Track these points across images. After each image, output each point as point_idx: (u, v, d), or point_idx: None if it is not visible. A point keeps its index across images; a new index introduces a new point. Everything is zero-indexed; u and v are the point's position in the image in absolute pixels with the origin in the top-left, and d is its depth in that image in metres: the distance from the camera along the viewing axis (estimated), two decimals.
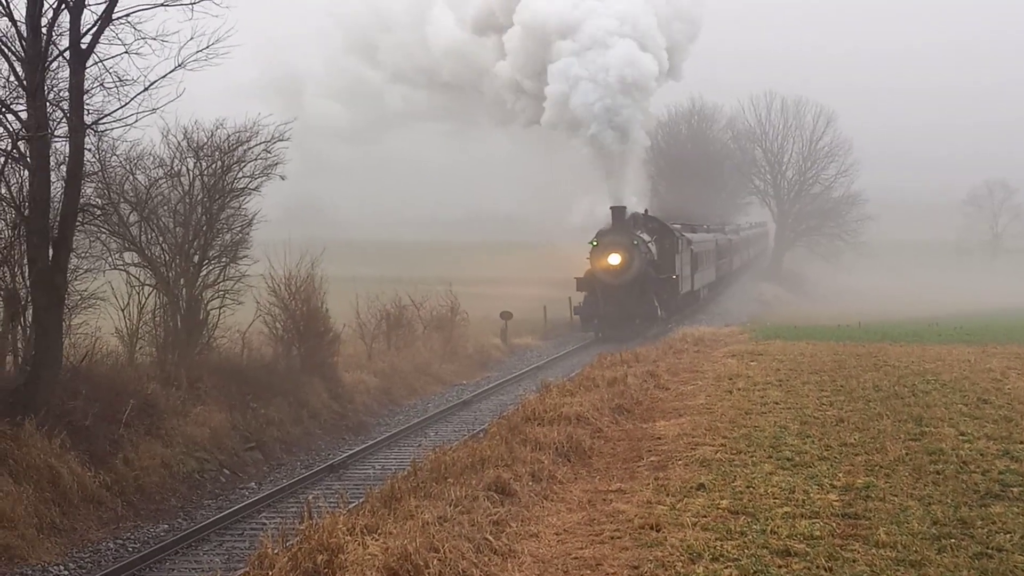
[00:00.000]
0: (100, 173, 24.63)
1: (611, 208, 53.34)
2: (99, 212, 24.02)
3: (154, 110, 21.62)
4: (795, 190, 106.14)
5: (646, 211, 56.79)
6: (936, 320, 53.30)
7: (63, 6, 20.35)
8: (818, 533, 13.26)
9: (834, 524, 13.69)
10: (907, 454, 17.70)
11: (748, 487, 15.58)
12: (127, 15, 20.71)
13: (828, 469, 16.74)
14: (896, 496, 15.07)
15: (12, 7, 20.23)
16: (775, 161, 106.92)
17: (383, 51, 59.04)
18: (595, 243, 51.27)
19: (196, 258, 27.09)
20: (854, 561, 12.36)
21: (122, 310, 25.92)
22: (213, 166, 27.65)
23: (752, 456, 17.71)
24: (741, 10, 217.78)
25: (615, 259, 50.65)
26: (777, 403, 23.25)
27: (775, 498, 14.95)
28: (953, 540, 12.96)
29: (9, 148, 20.46)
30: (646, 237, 53.39)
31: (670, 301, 55.19)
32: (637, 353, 33.16)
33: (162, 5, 21.18)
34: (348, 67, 61.90)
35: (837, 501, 14.83)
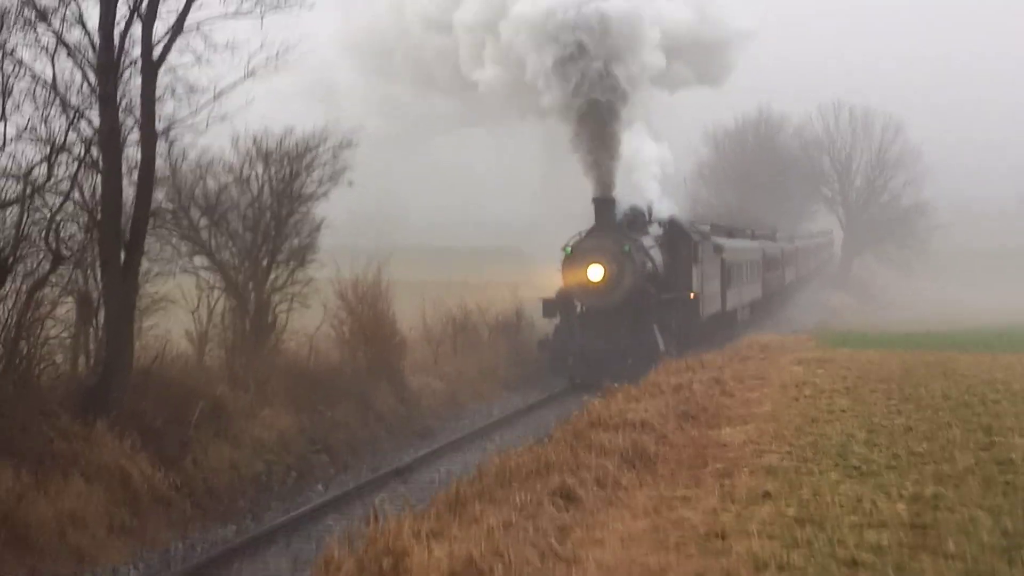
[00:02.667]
0: (171, 178, 24.91)
1: (594, 201, 38.54)
2: (170, 216, 24.31)
3: (224, 117, 21.88)
4: (864, 199, 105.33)
5: (649, 209, 42.79)
6: (1007, 329, 52.64)
7: (135, 17, 20.61)
8: (886, 543, 13.13)
9: (902, 534, 13.55)
10: (976, 464, 17.49)
11: (814, 495, 15.46)
12: (198, 25, 20.97)
13: (896, 478, 16.58)
14: (965, 506, 14.89)
15: (85, 17, 20.54)
16: (843, 170, 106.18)
17: (398, 57, 49.64)
18: (568, 250, 37.16)
19: (264, 262, 27.34)
20: (922, 572, 12.23)
21: (192, 313, 26.19)
22: (281, 172, 27.90)
23: (818, 464, 17.58)
24: (812, 20, 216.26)
25: (596, 272, 36.69)
26: (844, 411, 23.07)
27: (842, 507, 14.82)
28: (1023, 552, 12.81)
29: (83, 154, 20.75)
30: (648, 242, 39.78)
31: (686, 328, 41.16)
32: (702, 359, 33.03)
33: (232, 15, 21.41)
34: (371, 73, 50.99)
35: (905, 511, 14.67)
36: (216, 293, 26.76)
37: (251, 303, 26.89)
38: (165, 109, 21.58)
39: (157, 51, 20.68)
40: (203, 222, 26.69)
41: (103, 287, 21.27)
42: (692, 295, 41.85)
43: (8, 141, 19.92)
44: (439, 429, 29.44)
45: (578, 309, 38.46)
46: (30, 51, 20.47)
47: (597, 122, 39.07)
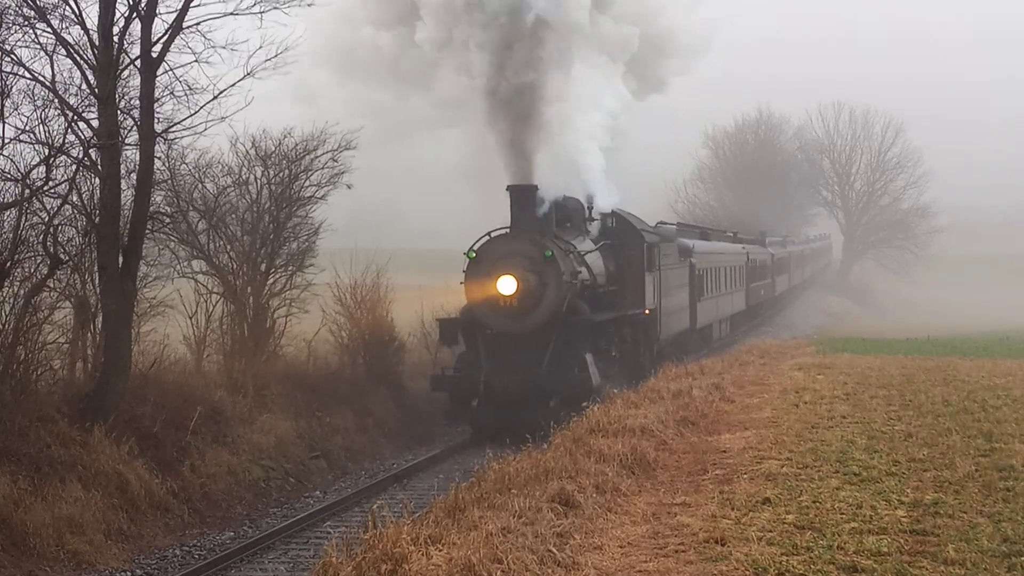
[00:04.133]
0: (169, 181, 24.86)
1: (509, 189, 28.71)
2: (168, 220, 24.24)
3: (223, 118, 21.82)
4: (863, 201, 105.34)
5: (590, 206, 32.30)
6: (1007, 335, 52.62)
7: (135, 15, 20.57)
8: (886, 549, 13.09)
9: (902, 540, 13.51)
10: (977, 470, 17.45)
11: (814, 502, 15.42)
12: (197, 24, 20.93)
13: (896, 485, 16.54)
14: (965, 513, 14.86)
15: (84, 16, 20.50)
16: (843, 172, 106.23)
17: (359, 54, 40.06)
18: (472, 254, 27.85)
19: (263, 266, 27.28)
20: None
21: (190, 318, 26.14)
22: (280, 175, 27.84)
23: (818, 470, 17.53)
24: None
25: (508, 285, 27.36)
26: (844, 417, 23.03)
27: (842, 513, 14.78)
28: (1023, 558, 12.75)
29: (81, 156, 20.69)
30: (584, 244, 30.87)
31: (639, 353, 33.35)
32: (702, 365, 32.97)
33: (231, 14, 21.36)
34: (342, 73, 44.94)
35: (905, 517, 14.64)
36: (214, 298, 26.70)
37: (249, 308, 26.84)
38: (164, 110, 21.54)
39: (156, 50, 20.63)
40: (201, 226, 26.62)
41: (101, 292, 21.21)
42: (646, 312, 33.10)
43: (6, 143, 19.88)
44: (438, 435, 29.31)
45: (486, 333, 28.46)
46: (28, 50, 20.44)
47: (519, 97, 29.16)
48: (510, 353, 27.83)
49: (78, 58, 20.46)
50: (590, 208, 32.22)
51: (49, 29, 20.28)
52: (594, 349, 28.44)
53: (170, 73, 21.20)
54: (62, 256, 20.54)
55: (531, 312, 27.73)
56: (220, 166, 27.27)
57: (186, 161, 25.56)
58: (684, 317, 39.86)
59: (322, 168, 28.50)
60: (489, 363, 27.76)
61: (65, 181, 20.75)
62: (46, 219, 20.48)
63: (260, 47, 21.66)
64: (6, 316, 19.55)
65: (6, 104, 19.86)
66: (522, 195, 28.62)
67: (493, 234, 28.48)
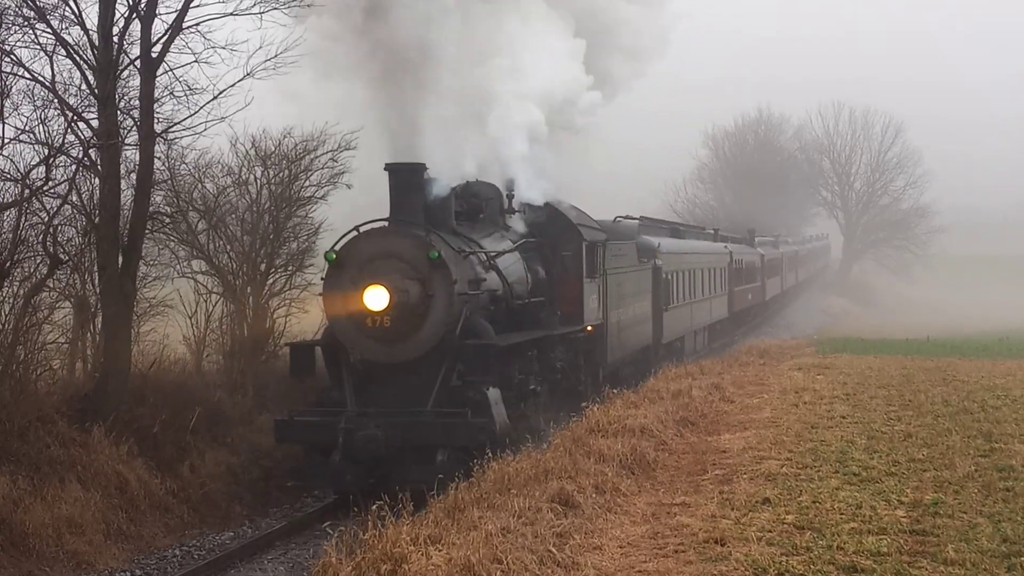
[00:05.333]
0: (169, 181, 24.84)
1: (388, 169, 21.47)
2: (168, 220, 24.23)
3: (223, 119, 21.81)
4: (863, 201, 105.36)
5: (511, 194, 25.42)
6: (1007, 335, 52.63)
7: (134, 15, 20.58)
8: (885, 550, 13.11)
9: (902, 541, 13.53)
10: (976, 470, 17.48)
11: (814, 502, 15.44)
12: (197, 24, 20.93)
13: (896, 485, 16.56)
14: (965, 513, 14.89)
15: (84, 16, 20.51)
16: (843, 172, 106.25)
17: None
18: (332, 256, 20.74)
19: (263, 266, 27.25)
20: None
21: (190, 318, 26.10)
22: (280, 175, 27.81)
23: (818, 471, 17.56)
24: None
25: (377, 299, 20.11)
26: (844, 417, 23.05)
27: (841, 514, 14.80)
28: (1023, 559, 12.76)
29: (81, 156, 20.69)
30: (497, 243, 23.98)
31: (578, 381, 26.54)
32: (702, 365, 32.98)
33: (231, 15, 21.36)
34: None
35: (905, 517, 14.66)
36: (214, 298, 26.67)
37: (249, 308, 26.81)
38: (164, 110, 21.54)
39: (156, 50, 20.64)
40: (201, 226, 26.59)
41: (101, 292, 21.20)
42: (587, 329, 26.19)
43: (6, 143, 19.90)
44: None
45: (352, 363, 21.23)
46: (28, 51, 20.45)
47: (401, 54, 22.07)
48: (384, 390, 20.53)
49: (78, 58, 20.47)
50: (510, 197, 25.08)
51: (49, 29, 20.29)
52: (502, 382, 20.93)
53: (170, 73, 21.20)
54: (62, 256, 20.53)
55: (411, 335, 20.15)
56: (220, 166, 27.22)
57: (186, 161, 25.51)
58: (645, 331, 32.84)
59: (322, 168, 28.46)
60: (356, 403, 20.30)
61: (65, 181, 20.76)
62: (46, 219, 20.48)
63: (260, 47, 21.68)
64: (6, 316, 19.55)
65: (6, 104, 19.86)
66: (403, 176, 21.06)
67: (364, 228, 21.17)
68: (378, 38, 22.07)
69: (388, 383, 20.61)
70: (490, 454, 17.92)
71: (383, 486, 17.73)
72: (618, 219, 33.63)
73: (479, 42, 25.00)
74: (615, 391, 24.60)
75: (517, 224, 25.49)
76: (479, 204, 24.29)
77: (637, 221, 35.99)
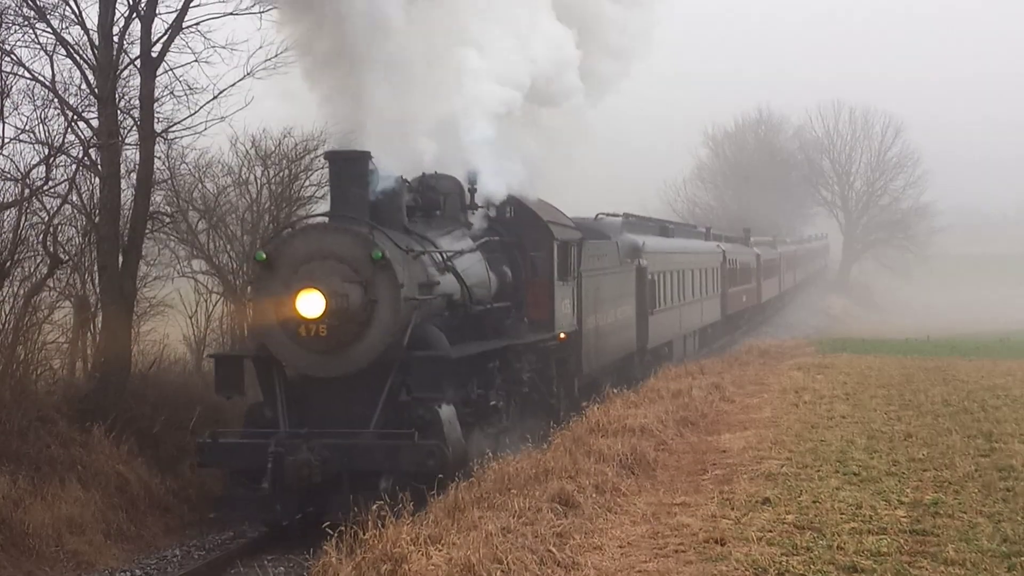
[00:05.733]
0: (169, 181, 24.85)
1: (327, 157, 19.55)
2: (168, 220, 24.24)
3: (223, 118, 21.85)
4: (863, 201, 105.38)
5: (473, 187, 22.62)
6: (1007, 335, 52.64)
7: (134, 15, 20.59)
8: (885, 549, 13.10)
9: (902, 540, 13.53)
10: (976, 470, 17.49)
11: (814, 502, 15.43)
12: (196, 24, 20.96)
13: (896, 485, 16.57)
14: (965, 513, 14.88)
15: (84, 15, 20.53)
16: (843, 172, 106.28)
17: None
18: (262, 256, 18.22)
19: None
20: None
21: (190, 318, 26.11)
22: (280, 174, 27.80)
23: (818, 470, 17.56)
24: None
25: (311, 304, 17.40)
26: (844, 417, 23.06)
27: (842, 513, 14.80)
28: (1023, 558, 12.75)
29: (81, 156, 20.71)
30: (456, 242, 21.37)
31: (549, 393, 23.86)
32: (702, 365, 32.99)
33: (231, 14, 21.38)
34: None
35: (905, 517, 14.66)
36: (214, 298, 26.67)
37: (249, 308, 26.80)
38: (164, 110, 21.56)
39: (156, 49, 20.66)
40: (201, 225, 26.59)
41: (101, 292, 21.21)
42: (560, 337, 23.60)
43: (6, 143, 19.92)
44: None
45: (287, 376, 18.61)
46: (28, 50, 20.48)
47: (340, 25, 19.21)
48: (321, 407, 17.99)
49: (78, 58, 20.50)
50: (472, 191, 22.43)
51: (49, 29, 20.33)
52: (458, 399, 18.62)
53: (170, 73, 21.25)
54: (62, 256, 20.54)
55: (351, 345, 17.65)
56: (220, 166, 27.24)
57: (186, 161, 25.51)
58: (628, 336, 30.44)
59: (323, 167, 28.44)
60: (290, 422, 17.83)
61: (65, 181, 20.78)
62: (46, 219, 20.50)
63: (260, 47, 21.70)
64: (6, 316, 19.56)
65: (6, 104, 19.90)
66: (344, 166, 18.70)
67: (300, 225, 20.30)
68: (323, 11, 19.50)
69: (327, 400, 17.96)
70: (442, 481, 16.04)
71: (319, 517, 15.99)
72: (600, 216, 32.02)
73: (437, 13, 22.28)
74: (590, 403, 22.93)
75: (480, 221, 22.75)
76: (436, 199, 21.23)
77: (620, 219, 33.62)
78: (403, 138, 20.23)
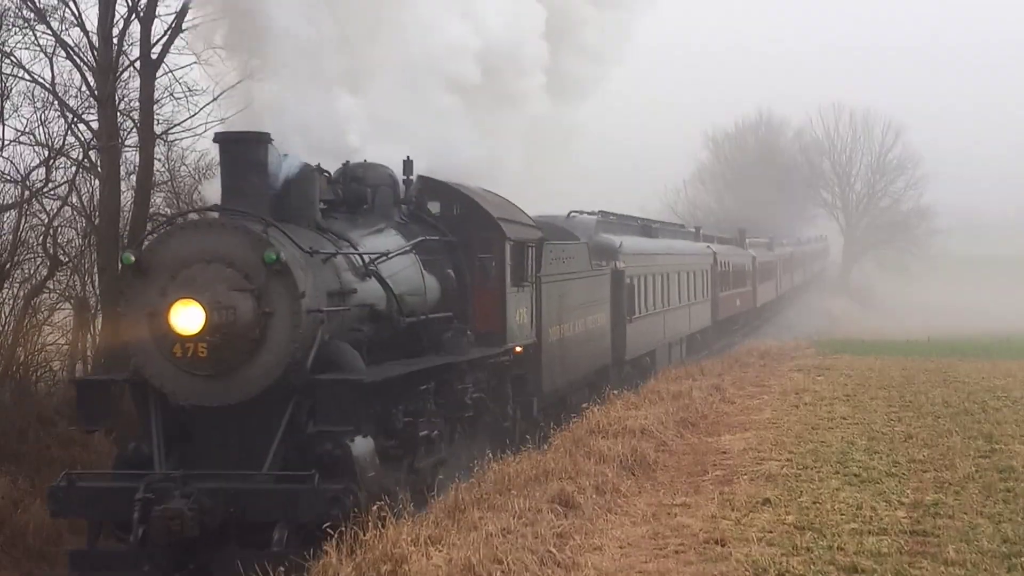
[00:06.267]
0: (169, 182, 24.87)
1: (218, 141, 15.65)
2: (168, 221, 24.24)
3: (223, 120, 21.83)
4: (864, 203, 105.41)
5: (408, 179, 19.56)
6: (1008, 336, 52.60)
7: (134, 16, 20.60)
8: (886, 550, 13.09)
9: (902, 541, 13.51)
10: (977, 471, 17.47)
11: (814, 503, 15.42)
12: (196, 25, 20.97)
13: (896, 485, 16.56)
14: (965, 514, 14.87)
15: (84, 18, 20.55)
16: (843, 174, 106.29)
17: None
18: (130, 259, 14.50)
19: None
20: None
21: None
22: None
23: (819, 471, 17.54)
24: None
25: (188, 319, 13.77)
26: (844, 418, 23.05)
27: (842, 514, 14.78)
28: (1023, 559, 12.74)
29: (81, 157, 20.73)
30: (390, 240, 17.95)
31: (503, 417, 20.51)
32: (702, 366, 32.97)
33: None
34: None
35: (905, 518, 14.65)
36: None
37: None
38: (164, 111, 21.58)
39: (156, 51, 20.67)
40: None
41: (101, 293, 21.22)
42: (515, 350, 20.54)
43: (6, 144, 19.95)
44: None
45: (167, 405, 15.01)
46: (28, 52, 20.51)
47: None
48: (208, 443, 14.63)
49: (78, 60, 20.53)
50: (408, 182, 19.46)
51: (49, 31, 20.37)
52: (380, 428, 15.41)
53: (170, 75, 21.26)
54: (62, 257, 20.58)
55: (240, 368, 14.31)
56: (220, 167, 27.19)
57: (186, 162, 25.56)
58: (601, 347, 27.08)
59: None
60: (170, 462, 14.42)
61: (65, 183, 20.83)
62: (46, 220, 20.53)
63: None
64: (6, 318, 19.60)
65: (6, 106, 19.95)
66: (237, 150, 15.35)
67: (182, 220, 17.14)
68: None
69: (215, 434, 14.58)
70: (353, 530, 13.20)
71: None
72: (573, 214, 29.82)
73: None
74: (549, 427, 21.21)
75: (418, 218, 19.46)
76: (363, 192, 18.04)
77: (595, 217, 31.01)
78: (318, 117, 17.48)
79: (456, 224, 19.75)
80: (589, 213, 30.90)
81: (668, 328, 35.36)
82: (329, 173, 17.18)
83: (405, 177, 19.33)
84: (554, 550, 13.12)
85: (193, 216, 17.29)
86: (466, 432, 18.76)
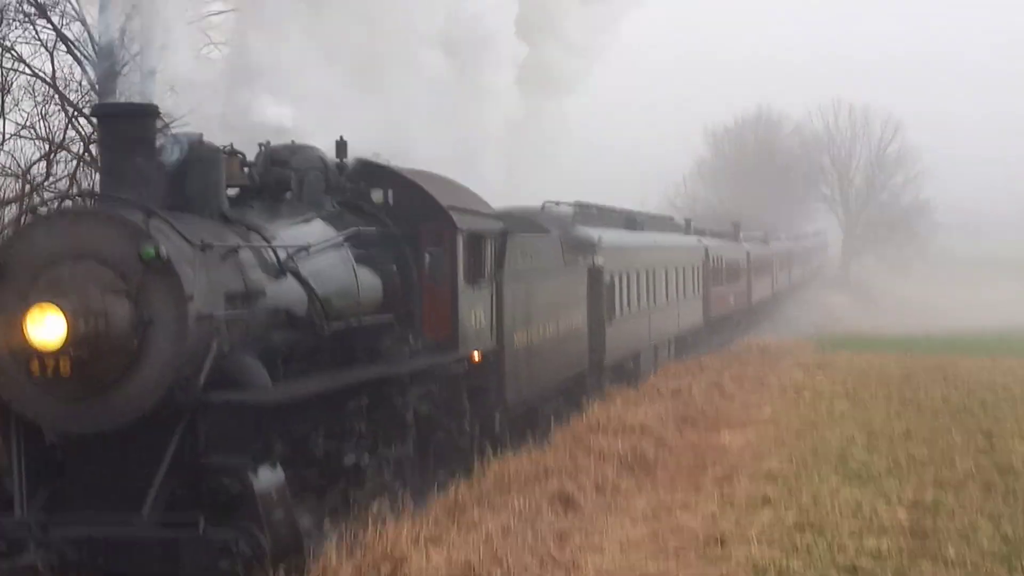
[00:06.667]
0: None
1: (95, 115, 14.57)
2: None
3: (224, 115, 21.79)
4: (863, 198, 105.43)
5: (342, 161, 16.74)
6: (1008, 333, 52.64)
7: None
8: (886, 550, 13.08)
9: (902, 541, 13.52)
10: (977, 469, 17.48)
11: (814, 501, 15.42)
12: (198, 20, 20.94)
13: (896, 484, 16.56)
14: (965, 512, 14.87)
15: (85, 12, 20.53)
16: (843, 168, 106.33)
17: None
18: None
19: None
20: None
21: None
22: None
23: (818, 469, 17.55)
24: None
25: (46, 329, 10.79)
26: (844, 415, 23.07)
27: (842, 513, 14.78)
28: (1023, 559, 12.75)
29: (81, 152, 20.71)
30: (312, 230, 14.99)
31: (460, 436, 17.35)
32: (702, 362, 32.97)
33: (233, 10, 21.34)
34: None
35: (905, 517, 14.66)
36: None
37: None
38: (165, 105, 21.52)
39: None
40: None
41: None
42: (473, 358, 17.80)
43: (7, 139, 19.94)
44: None
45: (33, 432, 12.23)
46: (29, 47, 20.52)
47: None
48: (84, 478, 12.00)
49: (78, 54, 20.50)
50: (343, 166, 16.82)
51: (49, 25, 20.35)
52: (295, 457, 12.77)
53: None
54: None
55: (114, 387, 11.66)
56: None
57: None
58: (576, 352, 24.03)
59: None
60: (33, 503, 11.86)
61: (66, 176, 20.79)
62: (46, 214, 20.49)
63: None
64: None
65: (7, 100, 19.92)
66: (119, 127, 12.73)
67: (47, 209, 15.05)
68: None
69: (88, 468, 11.95)
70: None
71: None
72: (548, 204, 27.50)
73: None
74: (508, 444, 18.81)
75: (356, 208, 16.57)
76: (286, 176, 15.45)
77: (572, 208, 28.47)
78: (226, 88, 15.80)
79: (401, 214, 16.86)
80: (566, 204, 28.51)
81: (654, 329, 32.62)
82: (242, 155, 14.60)
83: (338, 160, 16.60)
84: (554, 549, 13.13)
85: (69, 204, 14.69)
86: (411, 455, 15.71)
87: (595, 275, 25.79)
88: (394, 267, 16.34)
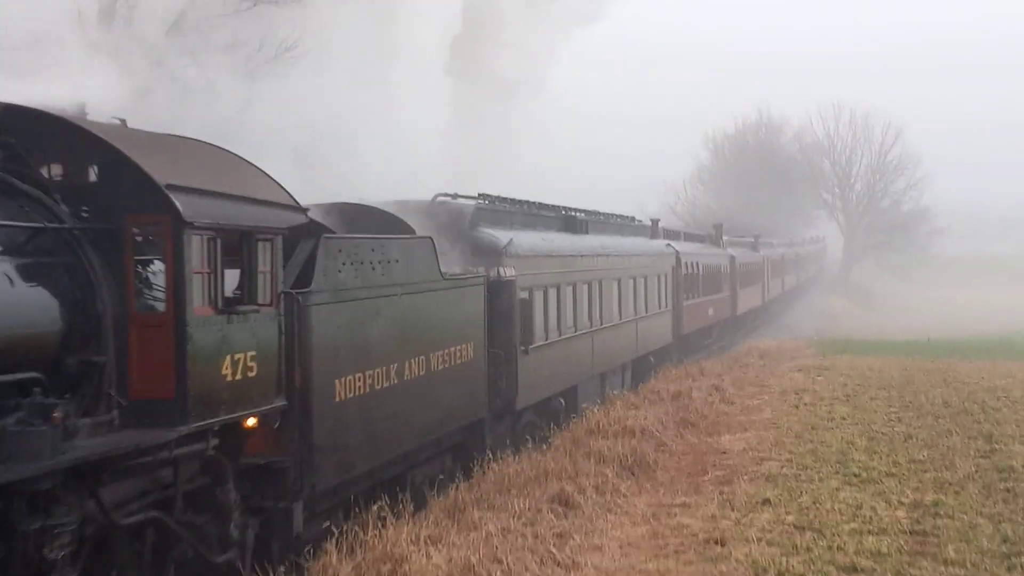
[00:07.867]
0: None
1: None
2: None
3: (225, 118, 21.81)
4: (864, 204, 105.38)
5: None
6: (1007, 336, 52.59)
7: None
8: (885, 550, 13.09)
9: (902, 541, 13.52)
10: (976, 471, 17.48)
11: (814, 503, 15.43)
12: (197, 24, 20.98)
13: (896, 485, 16.55)
14: (965, 514, 14.87)
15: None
16: (843, 174, 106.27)
17: None
18: None
19: None
20: None
21: None
22: None
23: (818, 471, 17.55)
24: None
25: None
26: (844, 418, 23.05)
27: (842, 514, 14.79)
28: (1023, 559, 12.74)
29: None
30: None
31: (211, 556, 11.16)
32: (702, 366, 32.95)
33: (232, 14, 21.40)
34: None
35: (905, 518, 14.66)
36: None
37: None
38: None
39: None
40: None
41: None
42: (247, 424, 11.81)
43: None
44: None
45: None
46: None
47: None
48: None
49: None
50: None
51: None
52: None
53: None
54: None
55: None
56: None
57: None
58: (467, 394, 18.01)
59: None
60: None
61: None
62: None
63: (259, 49, 21.71)
64: None
65: None
66: None
67: None
68: None
69: None
70: None
71: None
72: (441, 199, 21.45)
73: None
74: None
75: (11, 189, 10.48)
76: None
77: (473, 203, 22.19)
78: None
79: (94, 198, 10.95)
80: (464, 197, 22.16)
81: (601, 353, 26.67)
82: None
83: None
84: (554, 550, 13.15)
85: None
86: None
87: (500, 291, 19.79)
88: (70, 283, 10.38)
